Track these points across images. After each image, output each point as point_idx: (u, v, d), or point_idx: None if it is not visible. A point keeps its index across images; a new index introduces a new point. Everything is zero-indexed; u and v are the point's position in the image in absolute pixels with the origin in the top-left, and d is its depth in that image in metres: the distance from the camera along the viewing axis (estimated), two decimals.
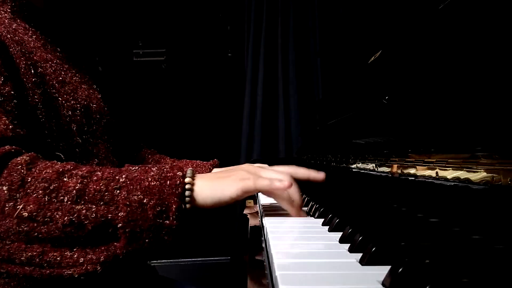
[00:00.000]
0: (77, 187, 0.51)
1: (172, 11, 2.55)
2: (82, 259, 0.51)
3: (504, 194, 0.43)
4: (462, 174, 0.51)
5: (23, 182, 0.51)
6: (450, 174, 0.54)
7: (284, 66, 2.35)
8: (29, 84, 0.64)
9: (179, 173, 0.55)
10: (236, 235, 2.13)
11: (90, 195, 0.51)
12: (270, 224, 0.58)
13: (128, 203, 0.51)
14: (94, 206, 0.51)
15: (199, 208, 0.56)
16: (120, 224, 0.51)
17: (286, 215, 0.66)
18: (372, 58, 0.97)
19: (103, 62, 2.44)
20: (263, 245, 0.55)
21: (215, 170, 1.04)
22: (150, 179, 0.53)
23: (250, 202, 1.06)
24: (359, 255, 0.40)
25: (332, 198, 0.77)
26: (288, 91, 2.34)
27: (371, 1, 1.15)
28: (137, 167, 0.57)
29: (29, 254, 0.50)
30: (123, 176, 0.54)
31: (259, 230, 0.65)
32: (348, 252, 0.43)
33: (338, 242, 0.48)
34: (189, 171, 0.57)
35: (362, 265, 0.38)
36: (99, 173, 0.54)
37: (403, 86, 0.76)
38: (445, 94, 0.59)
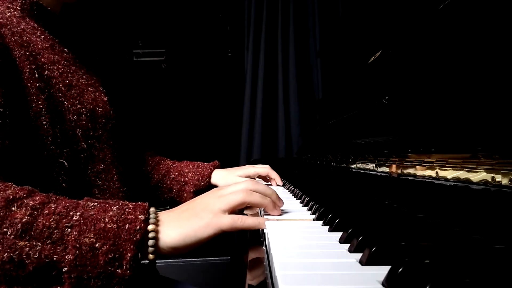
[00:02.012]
0: (24, 219, 0.45)
1: (172, 11, 2.55)
2: None
3: (504, 194, 0.43)
4: (462, 174, 0.51)
5: None
6: (450, 174, 0.54)
7: (284, 66, 2.35)
8: (33, 90, 0.62)
9: (141, 217, 0.49)
10: (236, 235, 2.14)
11: (38, 230, 0.45)
12: (270, 224, 0.58)
13: (78, 245, 0.46)
14: (39, 244, 0.45)
15: (169, 253, 0.51)
16: (66, 268, 0.45)
17: (286, 216, 0.66)
18: (372, 58, 0.97)
19: (103, 62, 2.45)
20: (263, 245, 0.55)
21: (216, 171, 1.05)
22: (107, 220, 0.48)
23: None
24: (359, 255, 0.40)
25: (332, 198, 0.77)
26: (288, 91, 2.34)
27: (371, 1, 1.15)
28: (96, 203, 0.51)
29: None
30: (78, 213, 0.48)
31: (259, 230, 0.65)
32: (348, 252, 0.43)
33: (338, 242, 0.48)
34: (152, 215, 0.51)
35: (362, 265, 0.38)
36: (52, 205, 0.48)
37: (403, 86, 0.76)
38: (445, 94, 0.59)
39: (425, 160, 0.63)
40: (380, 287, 0.33)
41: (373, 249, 0.38)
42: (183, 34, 2.53)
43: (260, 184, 0.62)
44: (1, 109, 0.55)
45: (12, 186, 0.49)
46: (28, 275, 0.45)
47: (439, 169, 0.57)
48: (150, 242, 0.49)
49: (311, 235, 0.53)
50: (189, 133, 2.51)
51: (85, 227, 0.47)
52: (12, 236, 0.44)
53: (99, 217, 0.48)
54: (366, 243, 0.42)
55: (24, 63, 0.62)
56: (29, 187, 0.50)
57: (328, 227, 0.56)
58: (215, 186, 1.03)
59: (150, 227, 0.50)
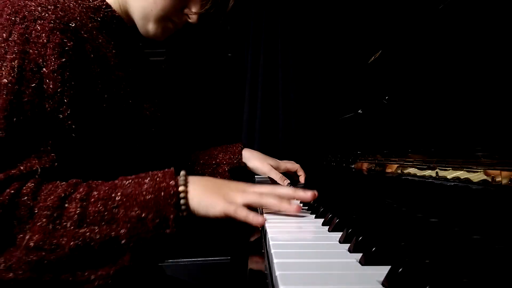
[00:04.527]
0: (77, 211, 0.53)
1: None
2: (93, 276, 0.53)
3: (504, 194, 0.43)
4: (462, 174, 0.51)
5: (31, 213, 0.52)
6: (450, 174, 0.54)
7: (284, 66, 2.35)
8: (102, 104, 0.66)
9: (172, 182, 0.56)
10: (236, 235, 2.13)
11: (91, 217, 0.53)
12: (270, 224, 0.58)
13: (127, 220, 0.53)
14: (96, 227, 0.53)
15: (192, 214, 0.58)
16: (124, 240, 0.53)
17: (286, 215, 0.66)
18: (372, 58, 0.97)
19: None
20: (263, 245, 0.55)
21: (246, 150, 1.06)
22: (144, 192, 0.55)
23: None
24: (359, 255, 0.40)
25: (332, 198, 0.77)
26: (288, 90, 2.34)
27: (371, 1, 1.15)
28: (130, 180, 0.58)
29: (43, 280, 0.52)
30: (119, 193, 0.55)
31: (259, 230, 0.65)
32: (348, 252, 0.43)
33: (338, 242, 0.48)
34: (181, 178, 0.58)
35: (362, 265, 0.38)
36: (95, 193, 0.55)
37: (403, 85, 0.76)
38: (445, 93, 0.59)
39: (425, 160, 0.63)
40: (380, 287, 0.33)
41: (373, 249, 0.38)
42: (183, 34, 2.53)
43: (280, 189, 0.66)
44: (70, 122, 0.61)
45: (60, 185, 0.56)
46: (96, 255, 0.53)
47: (439, 169, 0.57)
48: (182, 201, 0.57)
49: (311, 235, 0.53)
50: (189, 133, 2.51)
51: (128, 203, 0.54)
52: (72, 227, 0.52)
53: (137, 192, 0.55)
54: (366, 243, 0.42)
55: (98, 81, 0.66)
56: (73, 180, 0.57)
57: (328, 227, 0.56)
58: (244, 165, 1.04)
59: (181, 188, 0.57)
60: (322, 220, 0.60)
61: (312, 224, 0.60)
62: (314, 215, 0.65)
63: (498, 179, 0.44)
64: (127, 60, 0.77)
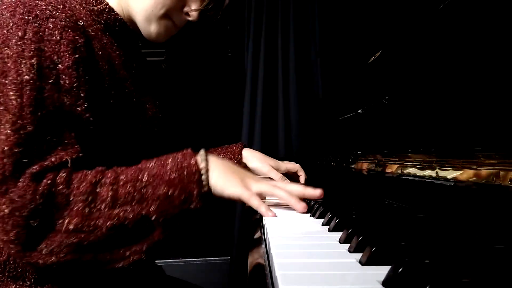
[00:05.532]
0: (109, 194, 0.57)
1: None
2: (128, 252, 0.58)
3: (504, 194, 0.43)
4: (462, 174, 0.51)
5: (67, 200, 0.56)
6: (450, 174, 0.54)
7: (284, 66, 2.34)
8: (110, 100, 0.68)
9: (192, 161, 0.61)
10: (236, 235, 2.13)
11: (122, 198, 0.58)
12: (270, 224, 0.58)
13: (156, 198, 0.58)
14: (128, 207, 0.57)
15: (211, 190, 0.62)
16: (154, 217, 0.57)
17: (286, 215, 0.66)
18: (372, 58, 0.97)
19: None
20: (263, 245, 0.55)
21: (246, 149, 1.05)
22: (169, 172, 0.59)
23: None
24: (359, 255, 0.40)
25: (332, 198, 0.77)
26: (288, 91, 2.34)
27: (372, 1, 1.15)
28: (153, 162, 0.62)
29: (83, 261, 0.57)
30: (145, 174, 0.60)
31: (260, 230, 0.65)
32: (348, 252, 0.43)
33: (338, 242, 0.48)
34: (201, 157, 0.62)
35: (362, 265, 0.38)
36: (122, 176, 0.60)
37: (403, 85, 0.76)
38: (445, 93, 0.59)
39: (425, 160, 0.63)
40: (380, 287, 0.33)
41: (373, 249, 0.38)
42: (183, 34, 2.53)
43: (291, 185, 0.72)
44: (87, 115, 0.63)
45: (89, 173, 0.60)
46: (129, 233, 0.57)
47: (439, 169, 0.57)
48: (203, 177, 0.61)
49: (311, 235, 0.53)
50: (189, 133, 2.51)
51: (155, 183, 0.59)
52: (107, 209, 0.57)
53: (161, 172, 0.60)
54: (366, 243, 0.42)
55: (106, 77, 0.68)
56: (99, 168, 0.61)
57: (328, 227, 0.56)
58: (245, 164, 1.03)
59: (202, 165, 0.61)
60: (322, 220, 0.60)
61: (312, 224, 0.60)
62: (315, 215, 0.65)
63: (498, 179, 0.44)
64: (130, 62, 0.78)
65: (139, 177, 0.59)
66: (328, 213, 0.60)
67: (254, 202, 0.63)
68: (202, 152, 0.63)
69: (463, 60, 0.55)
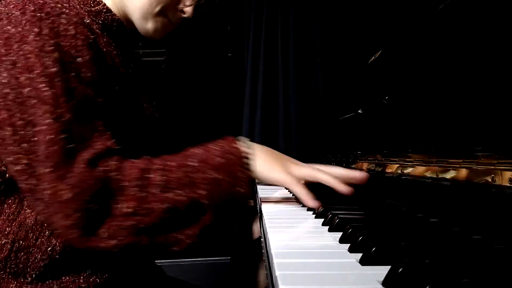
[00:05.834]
0: (162, 179, 0.59)
1: None
2: (182, 236, 0.60)
3: (504, 194, 0.43)
4: (461, 174, 0.51)
5: (121, 186, 0.58)
6: (450, 174, 0.54)
7: (284, 66, 2.34)
8: (114, 96, 0.69)
9: (238, 147, 0.64)
10: (236, 235, 2.13)
11: (174, 182, 0.59)
12: (270, 224, 0.58)
13: (205, 182, 0.60)
14: (180, 191, 0.59)
15: (254, 176, 0.64)
16: (205, 201, 0.60)
17: (287, 215, 0.66)
18: (372, 58, 0.97)
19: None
20: (263, 244, 0.55)
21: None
22: (216, 158, 0.62)
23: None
24: (359, 255, 0.40)
25: (332, 198, 0.77)
26: (288, 90, 2.34)
27: (371, 1, 1.15)
28: (199, 150, 0.64)
29: (141, 244, 0.58)
30: (193, 160, 0.62)
31: (260, 230, 0.65)
32: (348, 252, 0.43)
33: (338, 242, 0.48)
34: (245, 143, 0.65)
35: (362, 265, 0.38)
36: (170, 163, 0.62)
37: (403, 85, 0.76)
38: (445, 93, 0.59)
39: (425, 160, 0.63)
40: (380, 287, 0.33)
41: (373, 249, 0.38)
42: (183, 34, 2.53)
43: (334, 168, 0.72)
44: (108, 105, 0.65)
45: (135, 161, 0.61)
46: (182, 217, 0.60)
47: (439, 169, 0.57)
48: (249, 162, 0.63)
49: (312, 235, 0.53)
50: (189, 133, 2.51)
51: (204, 168, 0.61)
52: (160, 193, 0.58)
53: (208, 158, 0.62)
54: (366, 243, 0.42)
55: (110, 72, 0.70)
56: (144, 157, 0.63)
57: (328, 226, 0.56)
58: None
59: (248, 151, 0.64)
60: (322, 220, 0.60)
61: (312, 224, 0.60)
62: (314, 215, 0.65)
63: (498, 179, 0.44)
64: (127, 61, 0.78)
65: (188, 163, 0.62)
66: (328, 213, 0.60)
67: (297, 189, 0.65)
68: (245, 138, 0.66)
69: (463, 60, 0.55)
